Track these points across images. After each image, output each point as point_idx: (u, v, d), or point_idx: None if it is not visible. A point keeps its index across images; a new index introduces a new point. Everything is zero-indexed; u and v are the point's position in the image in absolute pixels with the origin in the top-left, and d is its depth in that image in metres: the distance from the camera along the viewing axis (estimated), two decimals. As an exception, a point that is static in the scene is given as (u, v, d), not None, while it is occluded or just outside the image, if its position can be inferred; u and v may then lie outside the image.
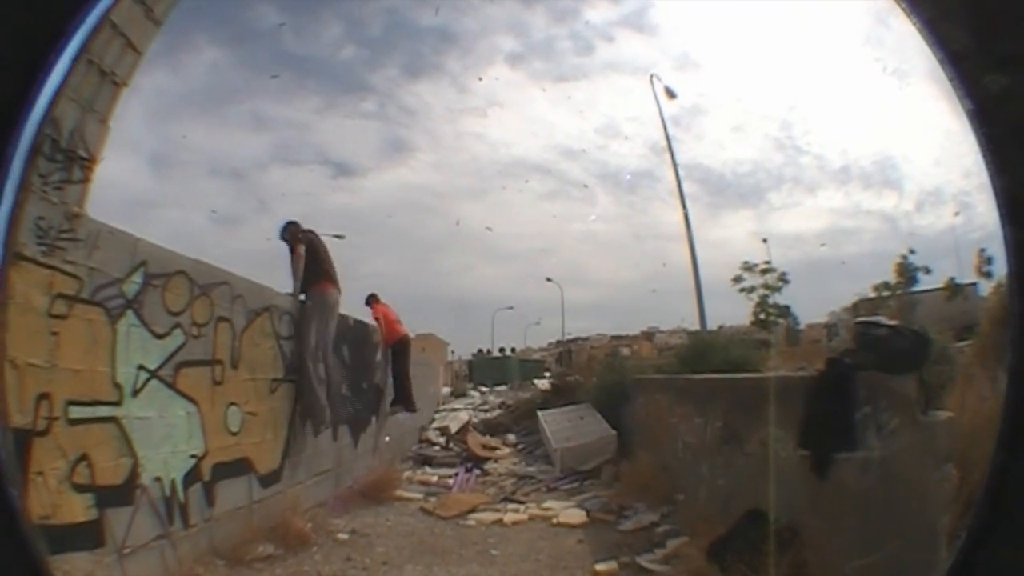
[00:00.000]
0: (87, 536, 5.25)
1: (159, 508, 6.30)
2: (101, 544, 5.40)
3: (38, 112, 2.03)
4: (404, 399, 13.71)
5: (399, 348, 13.85)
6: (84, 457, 5.25)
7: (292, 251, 10.41)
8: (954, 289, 13.19)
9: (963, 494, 5.07)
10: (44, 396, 4.87)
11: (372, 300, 13.87)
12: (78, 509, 5.18)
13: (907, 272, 13.86)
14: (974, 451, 5.38)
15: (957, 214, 13.51)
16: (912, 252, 14.18)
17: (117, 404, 5.84)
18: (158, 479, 6.33)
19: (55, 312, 5.14)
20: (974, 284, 12.92)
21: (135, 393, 6.13)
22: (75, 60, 2.03)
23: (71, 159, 5.29)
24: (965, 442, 5.48)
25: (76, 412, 5.24)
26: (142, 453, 6.06)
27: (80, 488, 5.21)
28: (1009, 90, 1.82)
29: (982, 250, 11.65)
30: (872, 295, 13.96)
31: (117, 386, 5.89)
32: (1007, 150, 1.87)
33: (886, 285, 14.00)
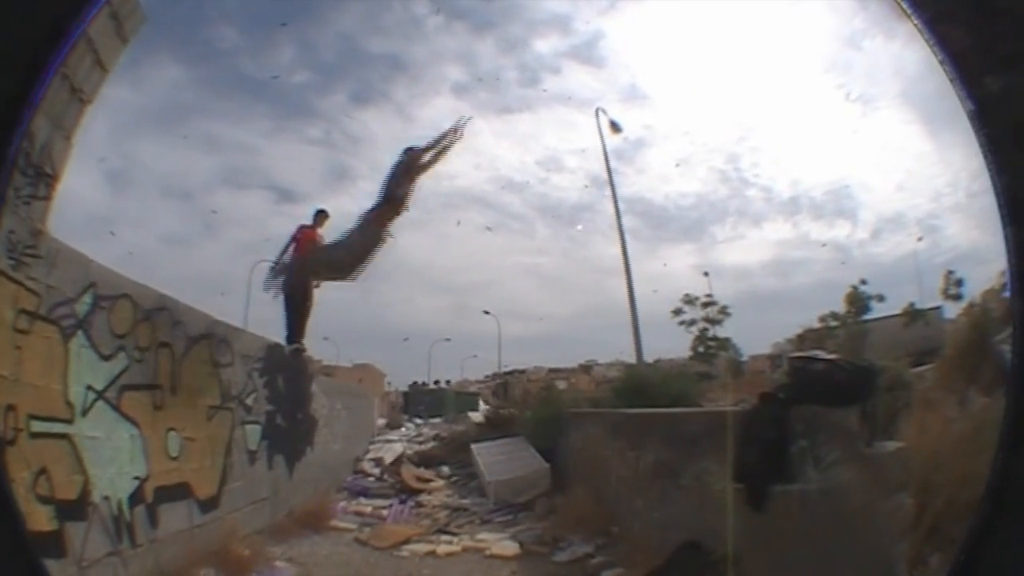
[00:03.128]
0: (52, 545, 5.43)
1: (109, 526, 6.45)
2: (64, 555, 5.58)
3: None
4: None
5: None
6: (44, 470, 5.44)
7: None
8: (914, 315, 13.67)
9: (925, 520, 5.38)
10: (11, 408, 5.11)
11: (320, 215, 13.89)
12: (43, 519, 5.36)
13: (858, 301, 14.32)
14: (938, 475, 5.75)
15: (920, 239, 13.95)
16: (864, 282, 14.66)
17: (70, 422, 6.03)
18: (107, 498, 6.48)
19: (19, 327, 5.37)
20: (938, 308, 13.44)
21: (84, 412, 6.31)
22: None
23: (39, 174, 5.53)
24: (926, 468, 5.78)
25: (36, 426, 5.45)
26: (92, 471, 6.23)
27: (42, 499, 5.39)
28: (1009, 90, 1.94)
29: (950, 272, 12.22)
30: (818, 325, 14.40)
31: (69, 404, 6.08)
32: (1007, 150, 1.96)
33: (834, 315, 14.45)
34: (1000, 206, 1.99)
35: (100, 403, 6.62)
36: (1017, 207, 1.96)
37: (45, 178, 5.61)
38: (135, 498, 7.05)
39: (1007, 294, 2.29)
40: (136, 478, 7.15)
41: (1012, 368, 2.10)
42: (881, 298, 14.62)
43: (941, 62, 2.00)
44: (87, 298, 6.46)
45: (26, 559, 2.28)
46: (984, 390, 7.27)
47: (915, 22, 2.07)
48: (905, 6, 2.10)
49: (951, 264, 12.21)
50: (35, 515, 5.25)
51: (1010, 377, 2.13)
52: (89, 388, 6.46)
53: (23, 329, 5.43)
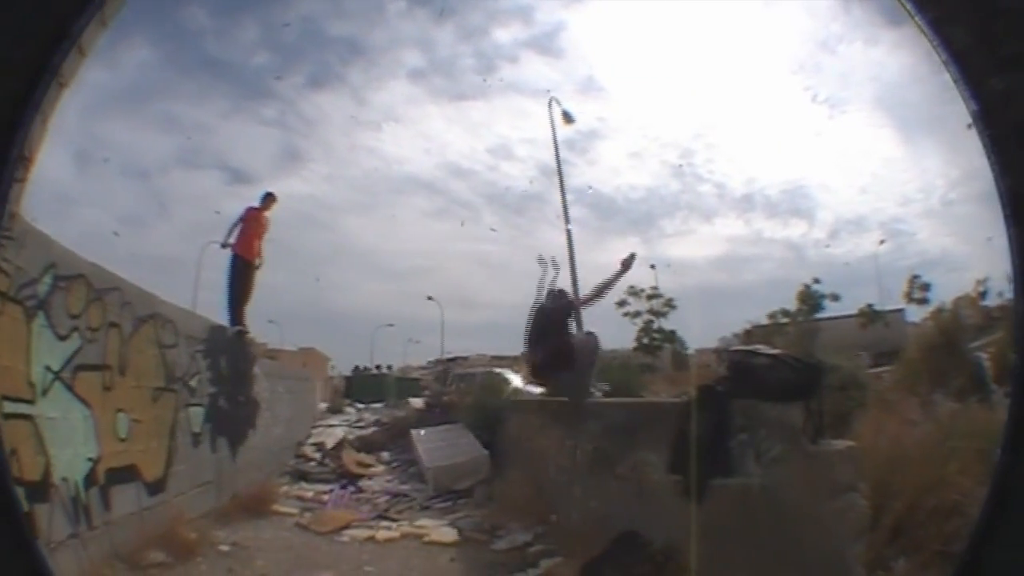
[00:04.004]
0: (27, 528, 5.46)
1: (69, 507, 6.52)
2: (37, 536, 5.61)
3: (41, 113, 2.33)
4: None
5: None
6: (15, 451, 5.48)
7: None
8: (872, 315, 13.94)
9: (884, 522, 5.54)
10: (-10, 390, 5.13)
11: (268, 198, 13.96)
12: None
13: (810, 299, 14.54)
14: (897, 478, 5.92)
15: (883, 242, 14.19)
16: (817, 280, 14.89)
17: (32, 403, 6.07)
18: (65, 479, 6.53)
19: (-7, 308, 5.38)
20: (900, 310, 13.70)
21: (44, 393, 6.36)
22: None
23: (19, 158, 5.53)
24: (882, 470, 5.90)
25: (7, 407, 5.47)
26: (51, 452, 6.26)
27: (16, 482, 5.41)
28: (1013, 91, 1.98)
29: (915, 276, 12.50)
30: (767, 322, 14.59)
31: (31, 385, 6.13)
32: (1011, 150, 2.00)
33: (785, 312, 14.66)
34: (1003, 206, 2.05)
35: (57, 384, 6.67)
36: (1020, 207, 2.02)
37: (23, 161, 5.59)
38: (89, 480, 7.10)
39: (1009, 296, 2.32)
40: (89, 459, 7.19)
41: (1013, 369, 2.16)
42: (836, 297, 14.85)
43: (945, 63, 2.06)
44: (47, 278, 6.49)
45: (29, 558, 2.32)
46: (954, 396, 7.52)
47: (919, 23, 2.12)
48: (909, 7, 2.15)
49: (917, 269, 12.48)
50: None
51: (1011, 378, 2.17)
52: (47, 368, 6.49)
53: (-1, 311, 5.47)
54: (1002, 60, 2.00)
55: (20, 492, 5.47)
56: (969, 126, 2.22)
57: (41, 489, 6.02)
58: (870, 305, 14.34)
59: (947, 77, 2.14)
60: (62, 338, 6.84)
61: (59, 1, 2.28)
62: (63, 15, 2.24)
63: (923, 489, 5.67)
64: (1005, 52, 2.00)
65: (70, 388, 6.94)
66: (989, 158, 2.06)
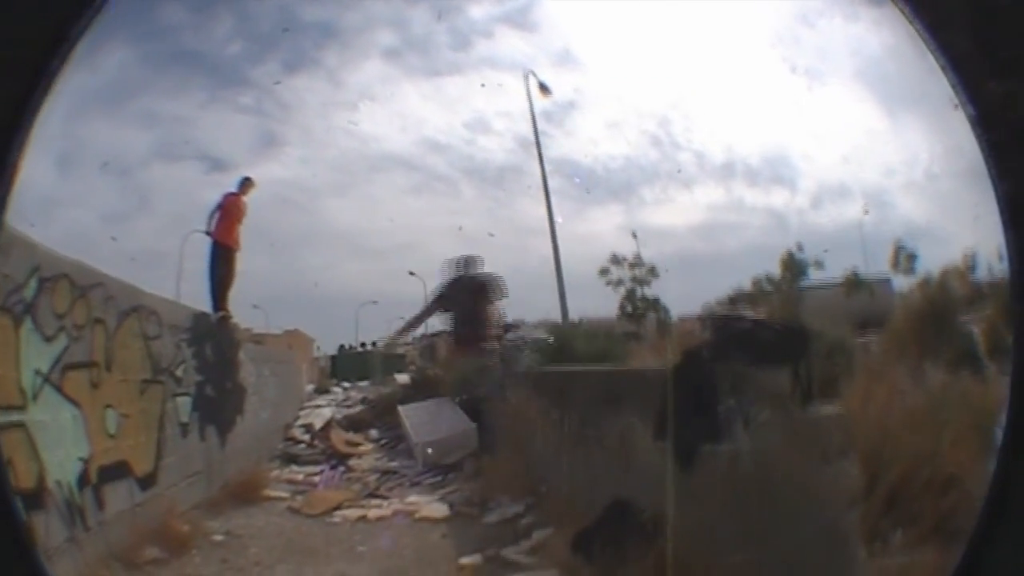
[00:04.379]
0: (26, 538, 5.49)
1: (64, 511, 6.53)
2: (36, 545, 5.64)
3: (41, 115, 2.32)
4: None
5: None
6: (9, 462, 5.49)
7: None
8: (857, 283, 13.99)
9: (879, 490, 5.51)
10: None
11: (246, 183, 13.53)
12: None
13: (794, 266, 14.56)
14: (888, 447, 5.96)
15: (867, 211, 14.21)
16: (800, 247, 14.88)
17: (23, 409, 6.07)
18: (59, 483, 6.55)
19: (-18, 321, 5.36)
20: (887, 280, 13.75)
21: (34, 397, 6.36)
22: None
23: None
24: (873, 436, 5.90)
25: (1, 417, 5.50)
26: (44, 456, 6.25)
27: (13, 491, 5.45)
28: (1011, 95, 1.97)
29: (900, 246, 12.55)
30: (751, 289, 14.60)
31: (22, 391, 6.12)
32: (1009, 155, 1.99)
33: (768, 279, 14.67)
34: (1001, 211, 2.05)
35: (47, 386, 6.67)
36: (1018, 211, 2.03)
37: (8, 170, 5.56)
38: (82, 480, 7.11)
39: (1000, 271, 2.30)
40: (81, 459, 7.20)
41: (1012, 369, 2.16)
42: (820, 264, 14.84)
43: (943, 68, 2.07)
44: (33, 282, 6.46)
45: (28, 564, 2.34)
46: (945, 368, 7.54)
47: (916, 27, 2.12)
48: (907, 11, 2.15)
49: (902, 239, 12.52)
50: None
51: (1011, 378, 2.17)
52: (37, 372, 6.50)
53: (-14, 323, 5.45)
54: (1001, 64, 2.02)
55: (18, 500, 5.53)
56: (956, 107, 2.23)
57: (37, 496, 6.04)
58: (855, 273, 14.37)
59: (936, 68, 2.16)
60: (49, 339, 6.82)
61: (56, 4, 2.23)
62: (61, 18, 2.22)
63: (917, 460, 5.68)
64: (1004, 56, 2.03)
65: (59, 389, 6.94)
66: (987, 163, 2.08)
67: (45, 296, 6.72)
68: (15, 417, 5.89)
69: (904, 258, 12.06)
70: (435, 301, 10.40)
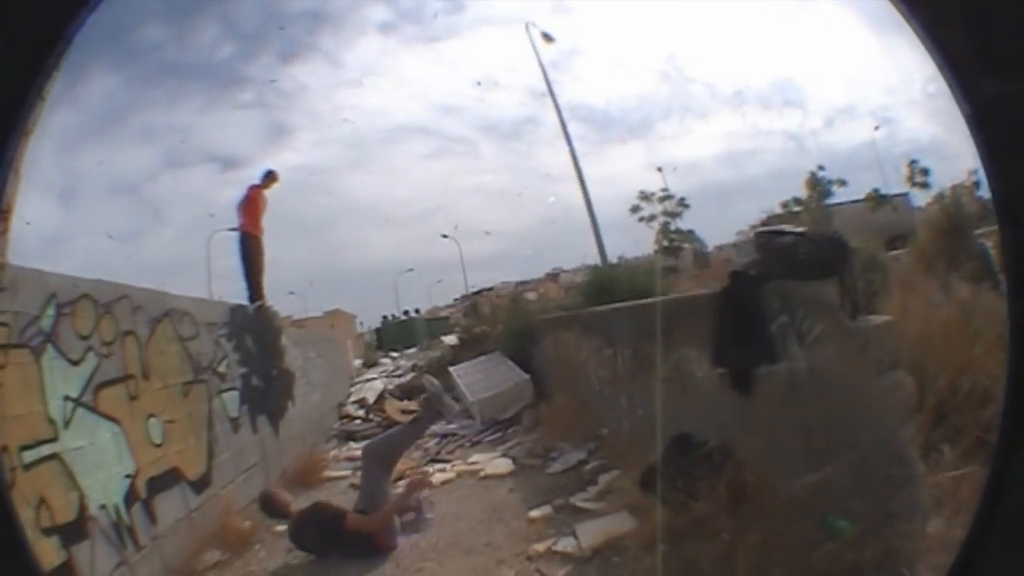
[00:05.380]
0: (65, 577, 5.54)
1: (111, 535, 6.54)
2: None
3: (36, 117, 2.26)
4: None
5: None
6: (43, 500, 5.50)
7: None
8: (879, 200, 13.76)
9: (928, 403, 5.39)
10: (3, 449, 5.12)
11: (269, 176, 14.14)
12: (52, 553, 5.45)
13: (819, 186, 14.36)
14: (931, 358, 5.82)
15: (877, 128, 13.97)
16: (822, 168, 14.67)
17: (54, 440, 6.02)
18: (103, 506, 6.55)
19: (-2, 364, 5.34)
20: (905, 195, 13.55)
21: (66, 424, 6.28)
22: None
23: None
24: (917, 348, 5.79)
25: (28, 456, 5.48)
26: (84, 483, 6.27)
27: (47, 531, 5.48)
28: (1007, 95, 1.90)
29: (913, 161, 12.34)
30: (780, 211, 14.40)
31: (51, 421, 6.06)
32: (1005, 155, 1.94)
33: (796, 200, 14.50)
34: (997, 211, 2.04)
35: (80, 410, 6.60)
36: (1014, 211, 2.00)
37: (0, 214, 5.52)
38: (129, 497, 7.12)
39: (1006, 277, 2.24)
40: (127, 476, 7.20)
41: (1009, 369, 2.11)
42: (843, 182, 14.69)
43: (939, 67, 2.04)
44: (50, 310, 6.39)
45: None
46: (968, 280, 7.41)
47: (912, 25, 2.08)
48: (903, 9, 2.11)
49: (912, 155, 12.29)
50: (43, 551, 5.31)
51: (1008, 378, 2.12)
52: (67, 398, 6.43)
53: (0, 364, 5.42)
54: (996, 63, 1.94)
55: (55, 539, 5.57)
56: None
57: (77, 527, 6.03)
58: (876, 190, 14.17)
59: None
60: (76, 363, 6.75)
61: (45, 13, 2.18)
62: (56, 18, 2.16)
63: (958, 370, 5.56)
64: (999, 55, 1.94)
65: (93, 409, 6.88)
66: (983, 162, 2.01)
67: (66, 321, 6.64)
68: (46, 450, 5.83)
69: (918, 172, 11.82)
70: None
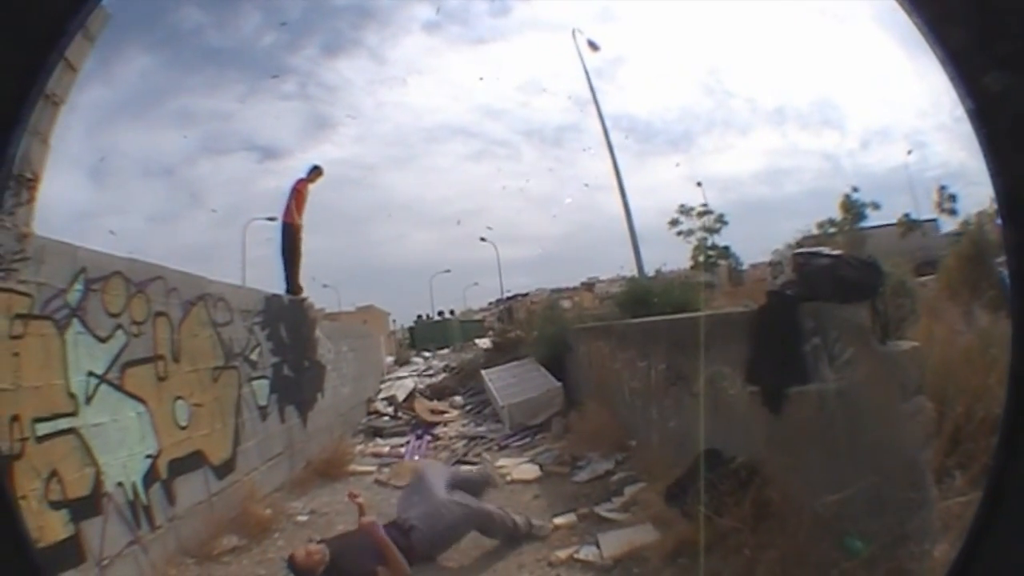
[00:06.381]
0: (70, 553, 5.50)
1: (125, 514, 6.52)
2: (83, 559, 5.65)
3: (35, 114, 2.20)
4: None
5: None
6: (55, 473, 5.47)
7: None
8: (910, 225, 13.66)
9: (945, 428, 5.28)
10: (15, 419, 5.10)
11: (315, 171, 14.48)
12: (58, 527, 5.42)
13: (853, 208, 14.28)
14: (951, 384, 5.69)
15: (910, 152, 14.06)
16: (856, 189, 14.61)
17: (74, 414, 5.99)
18: (120, 484, 6.53)
19: (14, 333, 5.34)
20: (934, 220, 13.44)
21: (88, 400, 6.27)
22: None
23: (20, 182, 5.45)
24: (939, 375, 5.65)
25: (41, 428, 5.44)
26: (102, 460, 6.26)
27: (56, 505, 5.45)
28: (1010, 89, 1.84)
29: (942, 187, 12.24)
30: (816, 232, 14.30)
31: (72, 396, 6.03)
32: (1008, 150, 1.89)
33: (831, 222, 14.43)
34: (1000, 207, 1.96)
35: (103, 387, 6.59)
36: (1016, 208, 1.93)
37: (27, 183, 5.54)
38: (149, 477, 7.11)
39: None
40: (148, 456, 7.19)
41: (1010, 368, 2.03)
42: (876, 206, 14.66)
43: (942, 61, 1.93)
44: (78, 285, 6.35)
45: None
46: (988, 308, 7.33)
47: (915, 21, 1.98)
48: (907, 5, 2.01)
49: (941, 180, 12.28)
50: (49, 524, 5.33)
51: (1009, 377, 2.04)
52: (90, 374, 6.41)
53: (18, 335, 5.39)
54: (999, 59, 1.86)
55: (64, 513, 5.53)
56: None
57: (90, 503, 6.00)
58: (907, 215, 14.13)
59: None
60: (103, 340, 6.74)
61: (45, 8, 2.10)
62: (57, 11, 2.08)
63: (973, 398, 5.46)
64: (1002, 51, 1.86)
65: (119, 388, 6.88)
66: (986, 158, 1.91)
67: (94, 297, 6.61)
68: (63, 424, 5.81)
69: (946, 199, 11.74)
70: None
